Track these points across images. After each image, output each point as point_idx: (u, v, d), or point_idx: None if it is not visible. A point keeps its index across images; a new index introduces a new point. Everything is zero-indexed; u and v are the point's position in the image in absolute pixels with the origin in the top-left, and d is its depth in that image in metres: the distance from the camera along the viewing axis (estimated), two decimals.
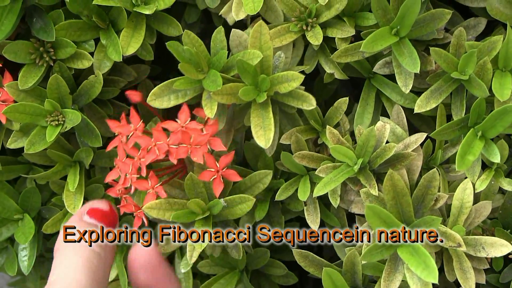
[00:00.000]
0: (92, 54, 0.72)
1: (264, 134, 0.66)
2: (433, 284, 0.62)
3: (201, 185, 0.68)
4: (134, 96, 0.67)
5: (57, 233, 0.77)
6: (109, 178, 0.68)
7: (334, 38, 0.70)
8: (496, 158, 0.65)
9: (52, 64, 0.71)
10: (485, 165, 0.70)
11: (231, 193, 0.70)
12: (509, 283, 0.71)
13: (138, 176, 0.66)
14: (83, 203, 0.75)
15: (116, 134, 0.68)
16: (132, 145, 0.66)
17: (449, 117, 0.71)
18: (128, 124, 0.67)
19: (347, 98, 0.72)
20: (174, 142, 0.65)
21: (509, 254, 0.66)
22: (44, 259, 0.95)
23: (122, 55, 0.69)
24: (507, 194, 0.71)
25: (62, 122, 0.70)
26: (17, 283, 1.14)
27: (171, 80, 0.67)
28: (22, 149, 0.72)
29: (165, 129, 0.67)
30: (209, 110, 0.66)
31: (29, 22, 0.70)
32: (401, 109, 0.72)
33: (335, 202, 0.70)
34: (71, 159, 0.76)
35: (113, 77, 0.76)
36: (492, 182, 0.70)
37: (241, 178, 0.68)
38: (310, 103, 0.66)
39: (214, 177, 0.67)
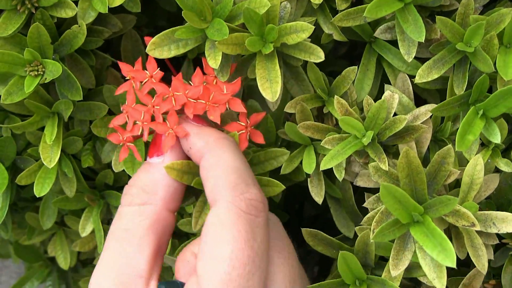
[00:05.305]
0: (76, 3, 0.70)
1: (270, 87, 0.65)
2: None
3: None
4: None
5: (32, 184, 0.76)
6: (114, 123, 0.67)
7: None
8: (496, 139, 0.66)
9: (34, 12, 0.69)
10: (483, 143, 0.70)
11: None
12: (501, 267, 0.72)
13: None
14: (60, 156, 0.74)
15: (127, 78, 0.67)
16: (147, 91, 0.65)
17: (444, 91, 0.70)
18: (143, 70, 0.67)
19: (356, 67, 0.71)
20: (193, 95, 0.64)
21: (501, 239, 0.66)
22: (16, 207, 0.95)
23: (108, 6, 0.68)
24: (502, 175, 0.71)
25: (41, 73, 0.69)
26: None
27: (171, 29, 0.66)
28: None
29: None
30: (213, 61, 0.65)
31: None
32: (407, 77, 0.72)
33: (339, 175, 0.70)
34: (49, 110, 0.75)
35: (97, 27, 0.74)
36: (489, 161, 0.70)
37: (264, 142, 0.68)
38: (318, 56, 0.66)
39: (242, 131, 0.67)
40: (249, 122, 0.67)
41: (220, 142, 0.63)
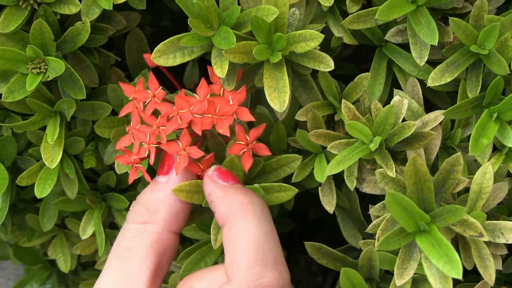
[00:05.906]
0: None
1: (278, 97, 0.64)
2: None
3: (240, 168, 0.65)
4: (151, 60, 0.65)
5: (33, 185, 0.75)
6: (120, 145, 0.66)
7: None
8: (511, 142, 0.64)
9: (37, 8, 0.68)
10: (495, 147, 0.69)
11: (257, 175, 0.69)
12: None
13: (157, 145, 0.64)
14: (62, 156, 0.73)
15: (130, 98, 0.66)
16: (150, 112, 0.64)
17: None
18: (145, 90, 0.65)
19: (368, 74, 0.70)
20: (199, 111, 0.63)
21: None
22: (16, 208, 0.93)
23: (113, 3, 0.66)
24: None
25: (44, 71, 0.68)
26: None
27: (177, 36, 0.64)
28: None
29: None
30: (220, 70, 0.63)
31: None
32: (417, 81, 0.70)
33: (351, 184, 0.69)
34: (51, 109, 0.74)
35: (101, 25, 0.73)
36: (501, 165, 0.68)
37: (270, 153, 0.66)
38: (327, 64, 0.64)
39: (244, 150, 0.65)
40: (249, 138, 0.65)
41: (244, 210, 0.61)
